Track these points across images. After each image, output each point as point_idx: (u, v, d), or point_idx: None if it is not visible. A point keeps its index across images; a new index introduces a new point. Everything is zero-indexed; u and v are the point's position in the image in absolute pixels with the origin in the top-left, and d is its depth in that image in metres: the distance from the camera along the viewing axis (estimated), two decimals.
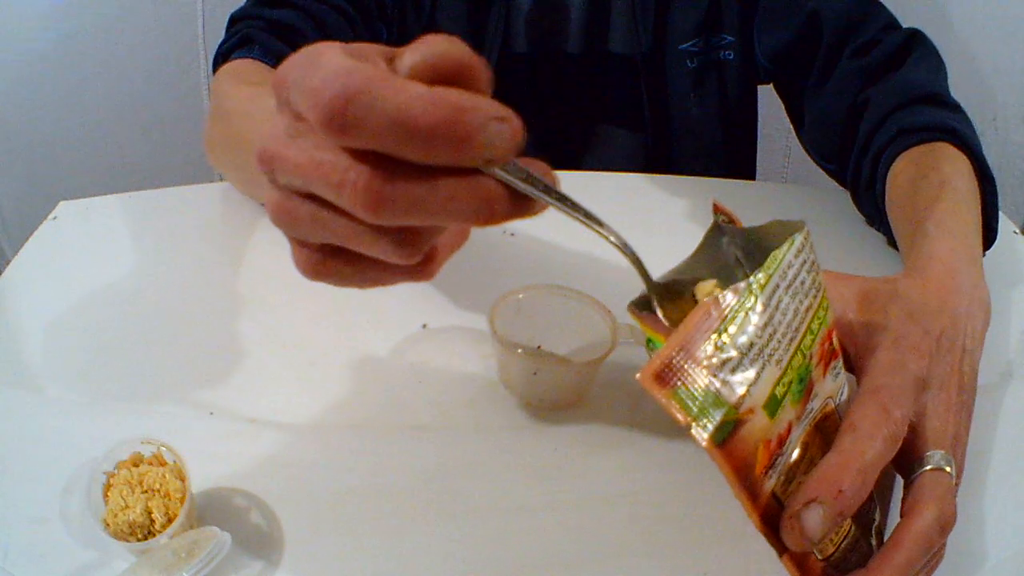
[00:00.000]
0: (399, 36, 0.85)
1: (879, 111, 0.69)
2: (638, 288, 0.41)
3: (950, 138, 0.63)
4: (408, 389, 0.63)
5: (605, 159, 0.92)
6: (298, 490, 0.56)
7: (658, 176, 0.85)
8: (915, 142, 0.64)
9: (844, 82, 0.74)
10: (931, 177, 0.60)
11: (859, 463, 0.38)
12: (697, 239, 0.45)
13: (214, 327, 0.68)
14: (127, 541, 0.49)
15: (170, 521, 0.49)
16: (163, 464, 0.53)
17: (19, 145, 1.30)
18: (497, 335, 0.59)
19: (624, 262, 0.38)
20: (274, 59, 0.69)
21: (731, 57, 0.86)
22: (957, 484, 0.43)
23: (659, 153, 0.89)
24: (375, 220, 0.29)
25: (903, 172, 0.64)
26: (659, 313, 0.40)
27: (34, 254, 0.74)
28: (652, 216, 0.79)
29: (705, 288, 0.41)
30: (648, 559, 0.53)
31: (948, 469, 0.42)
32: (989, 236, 0.62)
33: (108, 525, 0.49)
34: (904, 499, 0.42)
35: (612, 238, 0.36)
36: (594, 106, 0.90)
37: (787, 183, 1.36)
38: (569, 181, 0.83)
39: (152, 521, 0.50)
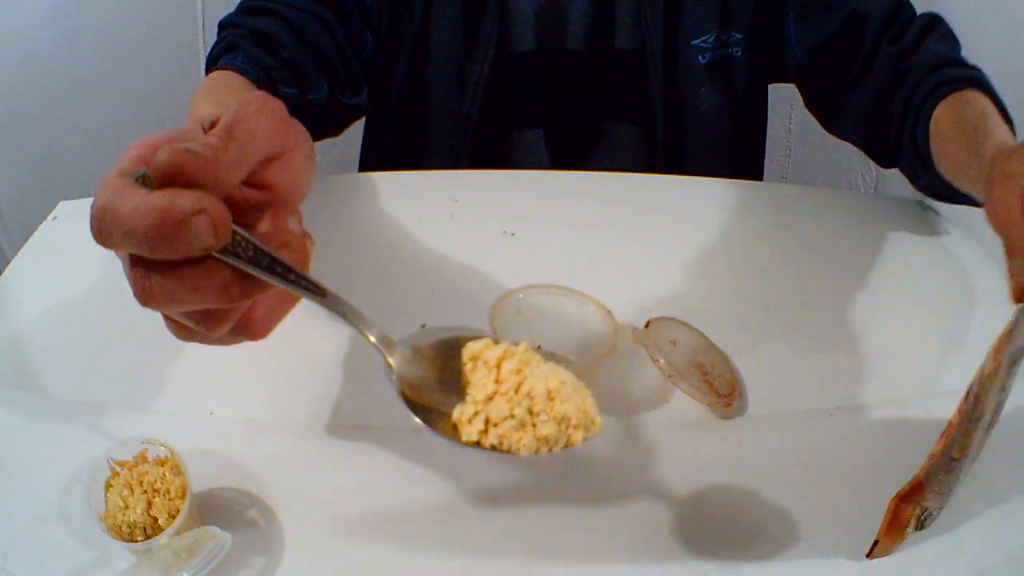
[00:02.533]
0: (390, 40, 0.85)
1: (916, 76, 0.79)
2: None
3: (979, 87, 0.75)
4: None
5: (610, 156, 0.92)
6: (298, 490, 0.56)
7: (663, 177, 0.85)
8: (951, 91, 0.75)
9: (884, 67, 0.82)
10: (974, 105, 0.71)
11: None
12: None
13: None
14: (127, 541, 0.49)
15: (171, 520, 0.49)
16: (164, 464, 0.53)
17: (19, 145, 1.30)
18: (497, 335, 0.59)
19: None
20: (256, 66, 0.71)
21: (739, 54, 0.86)
22: None
23: (667, 149, 0.89)
24: (152, 309, 0.34)
25: (945, 111, 0.74)
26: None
27: (34, 254, 0.74)
28: (656, 218, 0.79)
29: (474, 348, 0.43)
30: (648, 559, 0.53)
31: None
32: None
33: (108, 525, 0.50)
34: None
35: (338, 307, 0.38)
36: (599, 103, 0.90)
37: (787, 183, 1.36)
38: (574, 182, 0.84)
39: (154, 521, 0.50)
